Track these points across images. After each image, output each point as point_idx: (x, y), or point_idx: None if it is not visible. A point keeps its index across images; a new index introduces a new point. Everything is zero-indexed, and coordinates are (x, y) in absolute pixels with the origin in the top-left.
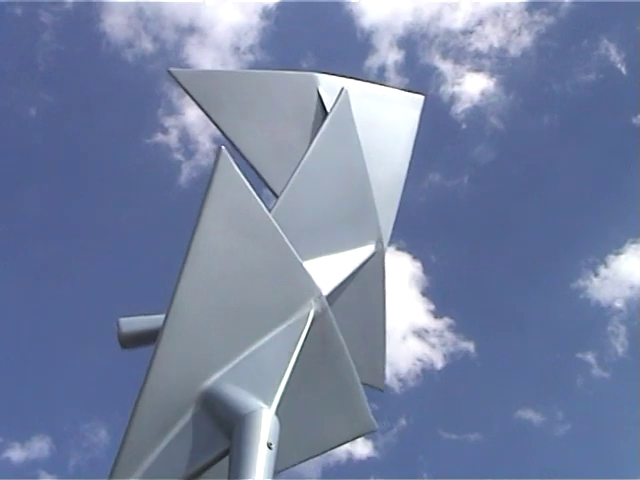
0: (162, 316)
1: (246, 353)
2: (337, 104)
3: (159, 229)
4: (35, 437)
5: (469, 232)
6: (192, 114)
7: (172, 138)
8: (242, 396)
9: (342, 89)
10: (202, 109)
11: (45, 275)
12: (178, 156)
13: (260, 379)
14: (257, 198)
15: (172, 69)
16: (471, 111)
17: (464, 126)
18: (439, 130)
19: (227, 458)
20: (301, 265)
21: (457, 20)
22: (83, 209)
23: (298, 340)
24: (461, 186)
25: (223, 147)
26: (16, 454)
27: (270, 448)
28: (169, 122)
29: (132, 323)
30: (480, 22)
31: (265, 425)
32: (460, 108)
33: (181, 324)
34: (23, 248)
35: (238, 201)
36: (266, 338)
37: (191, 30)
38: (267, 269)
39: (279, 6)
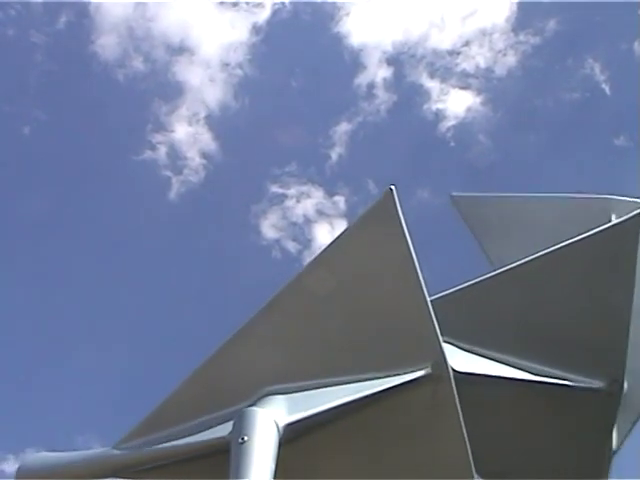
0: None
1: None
2: None
3: (151, 238)
4: (29, 449)
5: (458, 247)
6: (181, 131)
7: (161, 154)
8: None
9: None
10: (473, 234)
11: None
12: (167, 172)
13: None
14: (409, 239)
15: (455, 194)
16: (457, 128)
17: (452, 143)
18: (427, 146)
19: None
20: (432, 320)
21: (444, 40)
22: (77, 221)
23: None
24: (449, 202)
25: (393, 187)
26: (10, 467)
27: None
28: (158, 139)
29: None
30: (467, 43)
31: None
32: (446, 125)
33: (264, 329)
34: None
35: (387, 236)
36: (348, 377)
37: (181, 47)
38: (387, 308)
39: (269, 23)
